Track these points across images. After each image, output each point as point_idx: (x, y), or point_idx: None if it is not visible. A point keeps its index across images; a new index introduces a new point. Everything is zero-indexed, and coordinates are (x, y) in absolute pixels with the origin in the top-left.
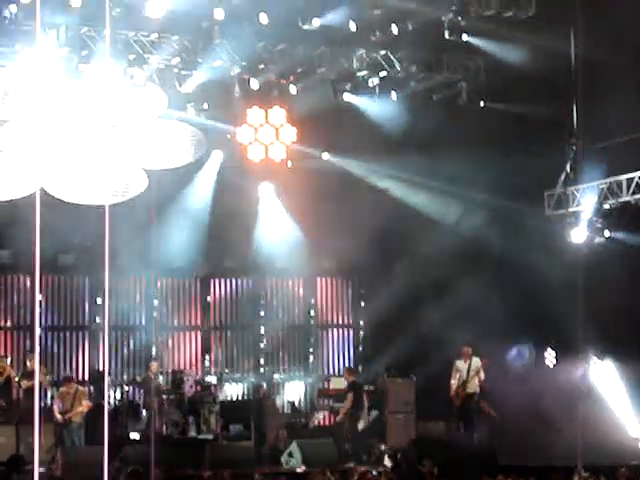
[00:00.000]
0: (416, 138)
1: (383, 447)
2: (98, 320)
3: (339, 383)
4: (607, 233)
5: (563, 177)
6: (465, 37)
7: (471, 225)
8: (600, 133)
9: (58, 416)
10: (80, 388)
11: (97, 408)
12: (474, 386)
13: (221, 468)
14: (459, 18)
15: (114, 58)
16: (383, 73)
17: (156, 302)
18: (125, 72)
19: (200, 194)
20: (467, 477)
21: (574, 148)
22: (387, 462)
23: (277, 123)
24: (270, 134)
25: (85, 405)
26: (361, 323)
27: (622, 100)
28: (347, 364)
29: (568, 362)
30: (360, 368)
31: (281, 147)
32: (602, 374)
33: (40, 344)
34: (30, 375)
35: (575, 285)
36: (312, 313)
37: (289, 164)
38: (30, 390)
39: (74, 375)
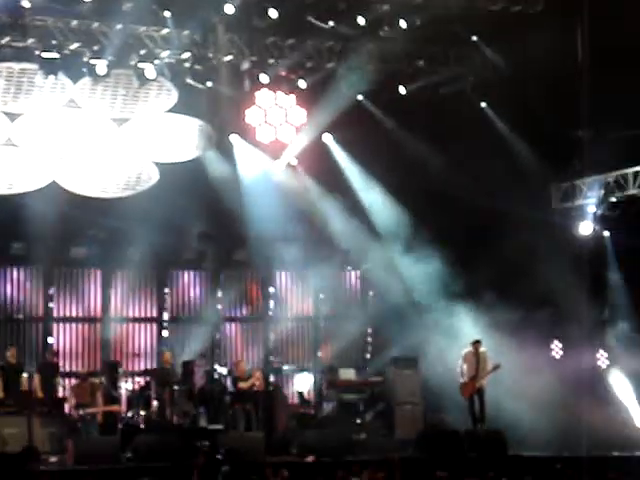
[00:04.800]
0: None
1: None
2: (110, 312)
3: (347, 374)
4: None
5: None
6: (471, 33)
7: None
8: (607, 125)
9: (73, 411)
10: (95, 381)
11: (110, 398)
12: (483, 381)
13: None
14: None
15: (125, 53)
16: (390, 67)
17: (166, 290)
18: (136, 67)
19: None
20: (476, 468)
21: (581, 140)
22: None
23: (286, 105)
24: (280, 116)
25: (115, 408)
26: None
27: (630, 92)
28: (355, 356)
29: (575, 353)
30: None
31: (290, 129)
32: (609, 365)
33: (53, 336)
34: (45, 369)
35: (582, 277)
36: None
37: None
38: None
39: (86, 366)
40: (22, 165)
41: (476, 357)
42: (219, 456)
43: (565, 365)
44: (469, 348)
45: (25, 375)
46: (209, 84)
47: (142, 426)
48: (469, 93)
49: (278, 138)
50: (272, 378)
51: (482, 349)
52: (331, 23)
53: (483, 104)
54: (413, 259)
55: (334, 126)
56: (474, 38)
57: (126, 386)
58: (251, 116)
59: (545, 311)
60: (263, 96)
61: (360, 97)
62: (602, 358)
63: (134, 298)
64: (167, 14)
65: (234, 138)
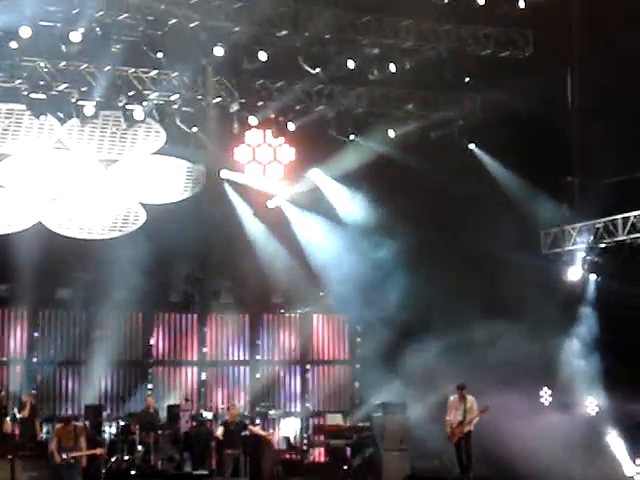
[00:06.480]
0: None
1: None
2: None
3: (334, 419)
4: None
5: (559, 216)
6: (461, 76)
7: None
8: (596, 172)
9: (57, 455)
10: (79, 425)
11: (93, 443)
12: (470, 426)
13: None
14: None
15: (113, 95)
16: (380, 111)
17: (152, 340)
18: (124, 108)
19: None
20: None
21: (571, 186)
22: None
23: (275, 143)
24: (268, 154)
25: (99, 451)
26: (357, 359)
27: (618, 140)
28: (343, 401)
29: (563, 400)
30: (357, 404)
31: (279, 166)
32: (597, 412)
33: (36, 378)
34: (24, 409)
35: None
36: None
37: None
38: (25, 422)
39: (69, 410)
40: (8, 206)
41: (462, 403)
42: None
43: (554, 412)
44: (454, 395)
45: (8, 419)
46: (194, 129)
47: (126, 471)
48: (458, 136)
49: (267, 176)
50: (258, 423)
51: (469, 396)
52: (320, 67)
53: (472, 146)
54: (399, 300)
55: (325, 164)
56: (465, 81)
57: (110, 430)
58: (240, 155)
59: (534, 357)
60: (252, 135)
61: (352, 137)
62: (591, 405)
63: (120, 341)
64: (158, 55)
65: (224, 177)
